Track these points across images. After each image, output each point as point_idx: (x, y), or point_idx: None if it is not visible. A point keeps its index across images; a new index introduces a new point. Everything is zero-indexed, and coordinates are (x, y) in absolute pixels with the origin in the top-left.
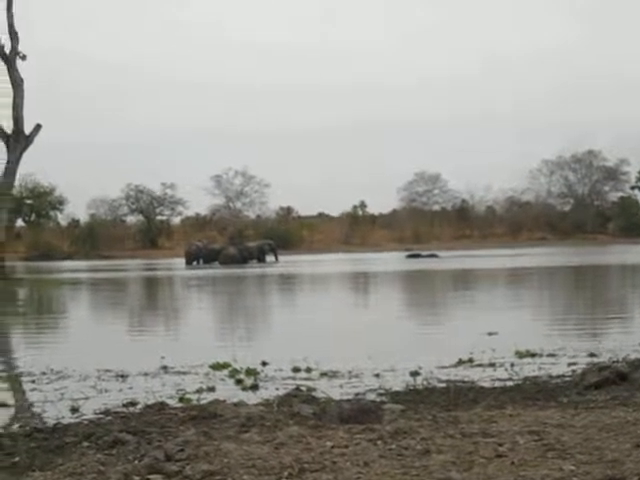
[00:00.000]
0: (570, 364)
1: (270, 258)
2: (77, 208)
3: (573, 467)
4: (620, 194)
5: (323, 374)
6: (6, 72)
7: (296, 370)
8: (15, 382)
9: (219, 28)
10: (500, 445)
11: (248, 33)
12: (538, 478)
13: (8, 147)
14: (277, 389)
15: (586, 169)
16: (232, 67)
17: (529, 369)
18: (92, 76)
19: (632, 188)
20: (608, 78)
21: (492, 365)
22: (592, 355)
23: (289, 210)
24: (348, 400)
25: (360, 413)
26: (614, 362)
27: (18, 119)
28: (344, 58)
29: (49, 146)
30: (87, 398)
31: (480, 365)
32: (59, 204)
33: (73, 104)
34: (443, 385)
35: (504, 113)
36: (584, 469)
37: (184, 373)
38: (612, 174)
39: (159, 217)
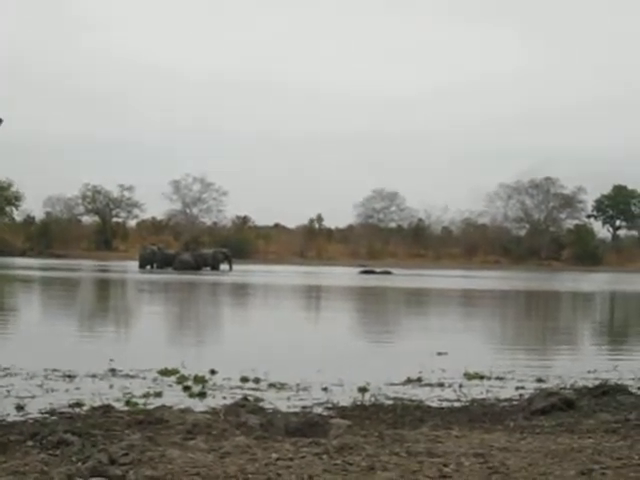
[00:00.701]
0: (518, 388)
1: (224, 266)
2: (33, 205)
3: None
4: (576, 222)
5: (271, 385)
6: None
7: (244, 380)
8: None
9: (186, 18)
10: (445, 466)
11: (215, 27)
12: None
13: None
14: (224, 398)
15: (543, 195)
16: (202, 62)
17: (477, 391)
18: (58, 69)
19: (588, 217)
20: (573, 107)
21: (440, 385)
22: (540, 380)
23: (245, 219)
24: (295, 413)
25: (307, 426)
26: (561, 388)
27: None
28: (312, 68)
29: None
30: (33, 397)
31: (429, 384)
32: (15, 200)
33: (32, 97)
34: (391, 402)
35: (465, 136)
36: None
37: (132, 377)
38: (569, 202)
39: (115, 219)
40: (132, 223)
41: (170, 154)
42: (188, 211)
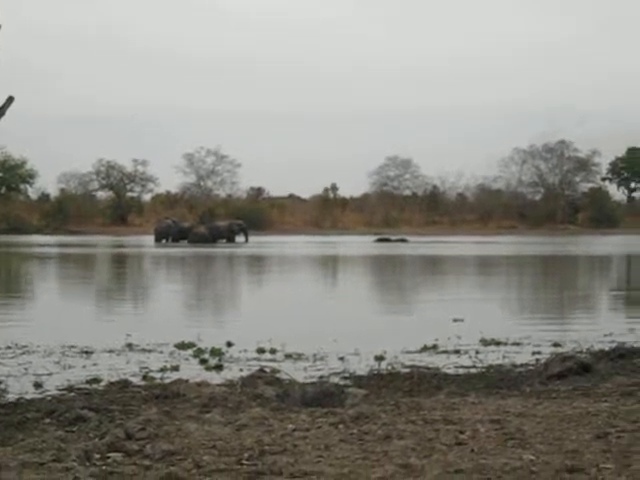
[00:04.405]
0: (534, 353)
1: (240, 238)
2: (48, 182)
3: (533, 457)
4: (591, 185)
5: (288, 356)
6: None
7: (261, 351)
8: None
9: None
10: (461, 432)
11: (223, 4)
12: (497, 467)
13: None
14: (241, 370)
15: (557, 159)
16: (211, 41)
17: (493, 357)
18: (60, 46)
19: (603, 179)
20: (587, 72)
21: (457, 352)
22: (556, 345)
23: (260, 190)
24: (312, 383)
25: (323, 396)
26: (578, 353)
27: None
28: (324, 42)
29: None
30: (51, 374)
31: (445, 352)
32: (30, 177)
33: (40, 76)
34: (407, 370)
35: (479, 101)
36: (543, 459)
37: (149, 351)
38: (583, 165)
39: (129, 193)
40: (147, 197)
41: (183, 128)
42: (202, 184)
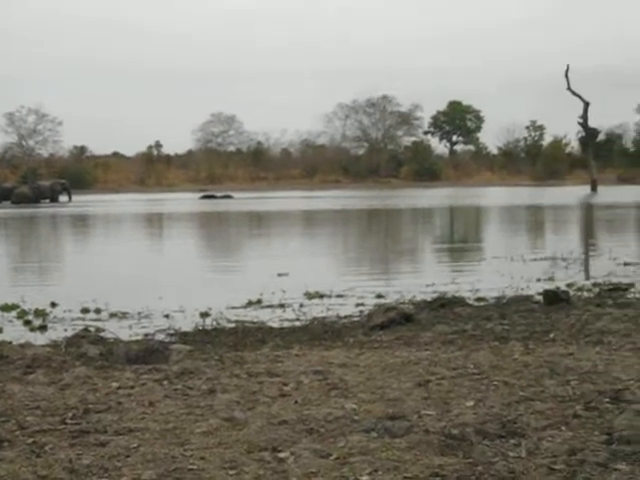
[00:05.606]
0: (358, 305)
1: (63, 198)
2: None
3: (355, 406)
4: (413, 139)
5: (112, 315)
6: None
7: (85, 311)
8: None
9: None
10: (285, 385)
11: None
12: (320, 416)
13: None
14: (66, 330)
15: (380, 114)
16: None
17: (317, 310)
18: None
19: (425, 133)
20: (413, 28)
21: (281, 306)
22: (379, 296)
23: (83, 149)
24: (136, 341)
25: (147, 353)
26: (400, 303)
27: None
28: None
29: None
30: None
31: (269, 306)
32: None
33: None
34: (232, 326)
35: (303, 56)
36: (365, 407)
37: None
38: (405, 119)
39: None
40: None
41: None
42: (24, 143)
